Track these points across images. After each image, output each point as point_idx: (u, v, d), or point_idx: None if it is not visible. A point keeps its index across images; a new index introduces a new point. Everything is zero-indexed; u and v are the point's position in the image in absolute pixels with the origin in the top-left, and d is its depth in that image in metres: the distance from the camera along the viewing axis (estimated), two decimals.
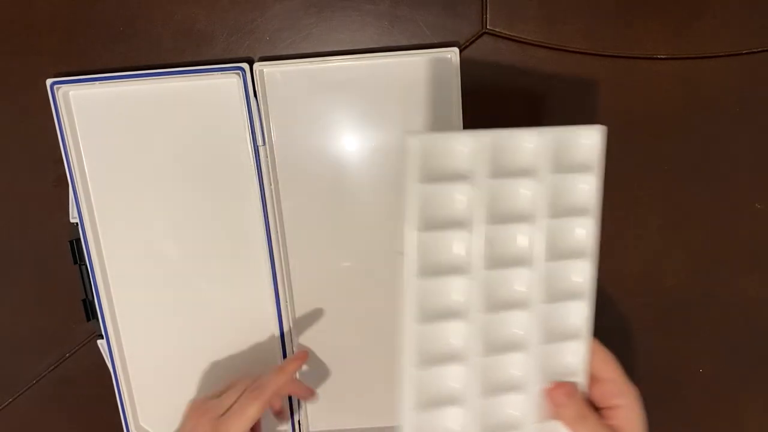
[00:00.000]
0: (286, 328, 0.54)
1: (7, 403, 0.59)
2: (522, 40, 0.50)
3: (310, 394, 0.53)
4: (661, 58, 0.50)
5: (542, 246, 0.42)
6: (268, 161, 0.52)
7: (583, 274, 0.43)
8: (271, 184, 0.52)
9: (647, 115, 0.51)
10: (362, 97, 0.51)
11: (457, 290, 0.41)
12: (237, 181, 0.52)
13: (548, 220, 0.42)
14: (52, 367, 0.58)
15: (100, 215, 0.54)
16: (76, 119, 0.52)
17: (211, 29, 0.52)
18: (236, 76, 0.50)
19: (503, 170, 0.40)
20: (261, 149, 0.51)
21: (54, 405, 0.59)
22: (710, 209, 0.52)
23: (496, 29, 0.50)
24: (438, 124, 0.51)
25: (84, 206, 0.53)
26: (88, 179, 0.53)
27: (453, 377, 0.41)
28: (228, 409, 0.47)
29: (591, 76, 0.51)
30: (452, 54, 0.49)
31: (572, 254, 0.43)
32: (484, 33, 0.51)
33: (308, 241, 0.53)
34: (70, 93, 0.51)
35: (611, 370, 0.44)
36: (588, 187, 0.43)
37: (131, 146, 0.53)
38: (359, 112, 0.51)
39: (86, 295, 0.56)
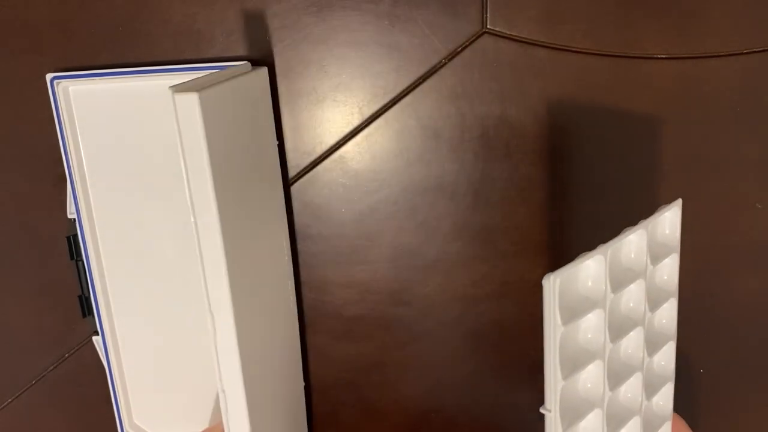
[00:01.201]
0: None
1: (6, 403, 0.59)
2: (522, 40, 0.50)
3: None
4: (661, 58, 0.50)
5: (643, 344, 0.42)
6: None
7: (667, 355, 0.44)
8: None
9: (647, 115, 0.51)
10: None
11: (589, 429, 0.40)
12: None
13: (648, 315, 0.42)
14: (52, 366, 0.58)
15: (98, 211, 0.54)
16: (75, 115, 0.52)
17: (210, 29, 0.52)
18: None
19: (619, 281, 0.40)
20: None
21: (54, 405, 0.59)
22: (710, 209, 0.52)
23: (496, 29, 0.50)
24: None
25: (82, 202, 0.53)
26: (86, 175, 0.53)
27: None
28: None
29: (591, 76, 0.51)
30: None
31: (660, 342, 0.44)
32: (484, 33, 0.50)
33: None
34: (70, 88, 0.51)
35: None
36: (671, 264, 0.43)
37: (130, 142, 0.52)
38: None
39: (82, 291, 0.56)
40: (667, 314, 0.44)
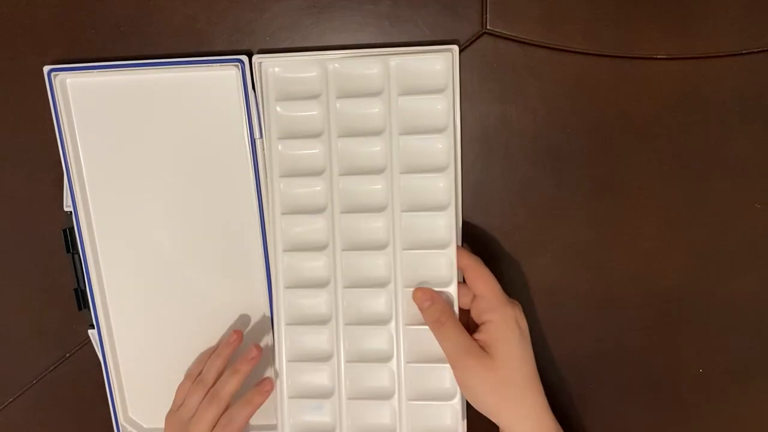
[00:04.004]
0: (277, 321, 0.54)
1: (7, 403, 0.59)
2: (522, 40, 0.50)
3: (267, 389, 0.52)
4: (661, 58, 0.50)
5: (397, 160, 0.49)
6: (264, 154, 0.51)
7: (444, 186, 0.49)
8: (266, 177, 0.52)
9: (647, 115, 0.51)
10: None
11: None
12: (233, 174, 0.52)
13: (402, 137, 0.49)
14: (53, 366, 0.58)
15: (95, 204, 0.54)
16: (72, 107, 0.52)
17: (210, 29, 0.52)
18: (235, 68, 0.50)
19: (352, 93, 0.48)
20: (258, 142, 0.51)
21: (54, 405, 0.59)
22: (710, 209, 0.52)
23: (496, 29, 0.50)
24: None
25: (78, 195, 0.53)
26: (83, 167, 0.53)
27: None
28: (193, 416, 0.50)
29: (591, 76, 0.51)
30: (452, 51, 0.49)
31: (431, 168, 0.49)
32: (484, 33, 0.51)
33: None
34: (68, 81, 0.52)
35: (486, 287, 0.47)
36: (443, 107, 0.48)
37: (128, 136, 0.53)
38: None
39: (78, 285, 0.56)
40: (439, 145, 0.49)
